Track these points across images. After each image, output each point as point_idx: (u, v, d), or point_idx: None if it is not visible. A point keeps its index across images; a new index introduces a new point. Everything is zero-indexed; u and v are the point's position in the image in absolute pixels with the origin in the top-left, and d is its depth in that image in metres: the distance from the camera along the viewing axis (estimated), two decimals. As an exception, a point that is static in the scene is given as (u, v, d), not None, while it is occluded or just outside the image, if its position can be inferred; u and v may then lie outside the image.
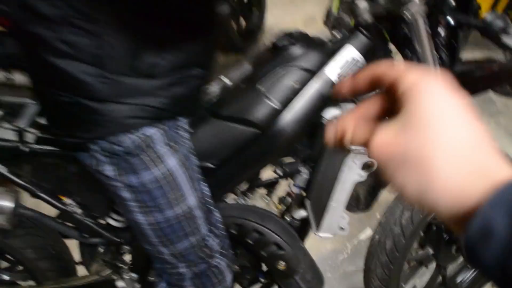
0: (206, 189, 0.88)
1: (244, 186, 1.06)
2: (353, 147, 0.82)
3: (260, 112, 0.86)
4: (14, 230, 1.11)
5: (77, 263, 1.24)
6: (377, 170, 0.94)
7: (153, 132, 0.76)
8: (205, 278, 0.92)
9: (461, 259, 1.39)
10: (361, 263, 1.64)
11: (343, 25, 0.92)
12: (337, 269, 1.66)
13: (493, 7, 3.08)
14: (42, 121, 0.91)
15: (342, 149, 0.40)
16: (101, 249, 1.16)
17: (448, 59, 0.93)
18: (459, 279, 1.47)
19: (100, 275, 1.14)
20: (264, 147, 0.89)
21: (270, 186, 1.10)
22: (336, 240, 1.05)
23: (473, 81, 1.00)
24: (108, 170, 0.78)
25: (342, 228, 1.00)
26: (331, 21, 0.95)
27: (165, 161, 0.78)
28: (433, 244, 1.30)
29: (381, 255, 1.17)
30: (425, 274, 1.49)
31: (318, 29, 0.98)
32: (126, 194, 0.80)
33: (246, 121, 0.86)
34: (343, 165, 0.90)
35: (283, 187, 1.10)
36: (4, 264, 1.28)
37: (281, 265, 0.99)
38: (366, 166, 0.91)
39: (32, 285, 1.21)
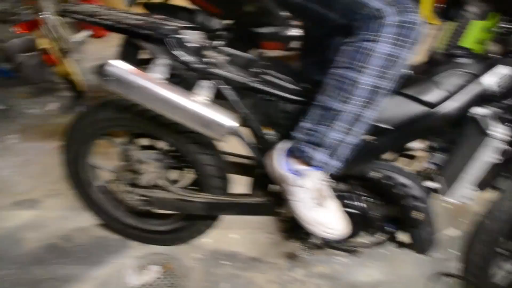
0: None
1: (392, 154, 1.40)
2: (492, 133, 1.14)
3: (432, 96, 1.20)
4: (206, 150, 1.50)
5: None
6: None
7: None
8: None
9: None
10: (446, 254, 1.91)
11: (490, 51, 1.24)
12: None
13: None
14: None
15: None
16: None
17: None
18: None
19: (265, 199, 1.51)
20: (428, 122, 1.22)
21: (411, 158, 1.42)
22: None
23: None
24: None
25: (467, 199, 1.30)
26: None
27: None
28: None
29: (485, 236, 1.44)
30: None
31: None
32: None
33: (422, 101, 1.21)
34: (482, 146, 1.20)
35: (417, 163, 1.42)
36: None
37: (419, 215, 1.30)
38: (502, 152, 1.20)
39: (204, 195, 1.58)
